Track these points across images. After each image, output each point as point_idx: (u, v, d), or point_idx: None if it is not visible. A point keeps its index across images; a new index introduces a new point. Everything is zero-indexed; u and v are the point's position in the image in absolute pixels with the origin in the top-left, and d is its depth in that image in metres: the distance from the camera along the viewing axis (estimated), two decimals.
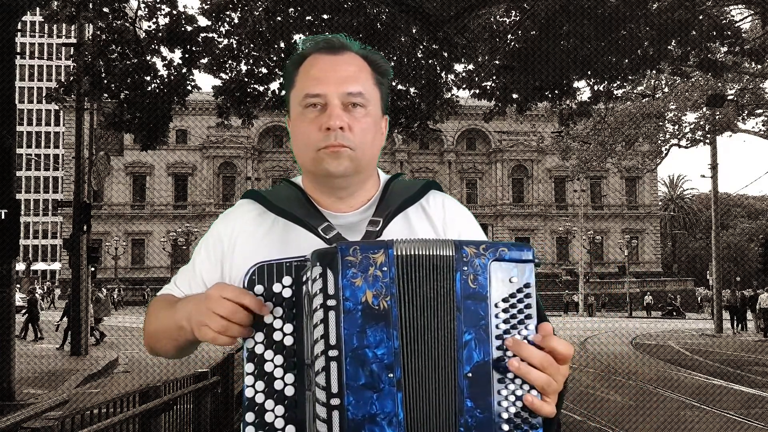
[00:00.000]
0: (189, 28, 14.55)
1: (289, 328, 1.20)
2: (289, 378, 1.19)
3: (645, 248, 69.14)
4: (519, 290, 1.16)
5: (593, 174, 60.66)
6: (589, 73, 16.08)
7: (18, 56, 12.87)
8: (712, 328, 30.92)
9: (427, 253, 1.15)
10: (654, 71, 19.21)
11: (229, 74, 15.41)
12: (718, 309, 30.35)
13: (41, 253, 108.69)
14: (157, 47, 14.77)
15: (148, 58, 14.73)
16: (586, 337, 27.52)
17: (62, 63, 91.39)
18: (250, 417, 1.18)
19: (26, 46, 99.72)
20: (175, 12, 14.52)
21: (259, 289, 1.21)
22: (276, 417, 1.18)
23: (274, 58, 15.07)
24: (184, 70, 14.85)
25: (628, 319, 45.09)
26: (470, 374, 1.12)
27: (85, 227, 18.70)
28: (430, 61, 15.89)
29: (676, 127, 30.12)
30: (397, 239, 1.17)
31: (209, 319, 1.20)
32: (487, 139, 68.74)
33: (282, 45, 14.94)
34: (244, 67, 15.45)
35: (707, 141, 29.87)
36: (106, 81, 14.64)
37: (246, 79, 15.34)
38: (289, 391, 1.19)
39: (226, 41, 15.16)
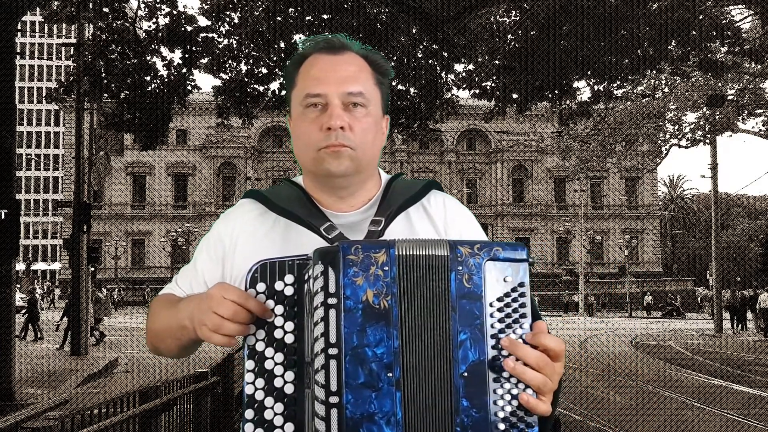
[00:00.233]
0: (189, 28, 14.55)
1: (290, 326, 1.21)
2: (289, 376, 1.19)
3: (645, 248, 69.14)
4: (513, 289, 1.17)
5: (593, 174, 60.65)
6: (589, 73, 16.08)
7: (18, 56, 12.87)
8: (712, 328, 30.91)
9: (424, 253, 1.16)
10: (654, 71, 19.21)
11: (229, 74, 15.41)
12: (718, 309, 30.35)
13: (41, 253, 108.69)
14: (157, 47, 14.77)
15: (148, 58, 14.73)
16: (586, 337, 27.52)
17: (62, 63, 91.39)
18: (249, 414, 1.18)
19: (26, 46, 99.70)
20: (175, 12, 14.52)
21: (261, 286, 1.21)
22: (275, 414, 1.18)
23: (274, 58, 15.07)
24: (184, 70, 14.86)
25: (628, 319, 45.08)
26: (466, 374, 1.13)
27: (85, 227, 18.71)
28: (430, 61, 15.89)
29: (676, 127, 30.13)
30: (399, 239, 1.18)
31: (210, 319, 1.21)
32: (487, 139, 68.74)
33: (282, 45, 14.94)
34: (244, 67, 15.46)
35: (707, 141, 29.87)
36: (106, 81, 14.64)
37: (246, 79, 15.34)
38: (289, 389, 1.19)
39: (226, 41, 15.16)
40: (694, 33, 15.06)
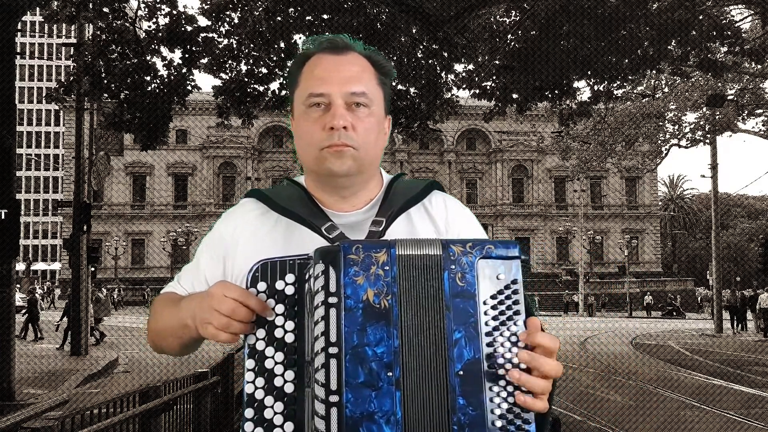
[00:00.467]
0: (189, 28, 14.55)
1: (290, 325, 1.21)
2: (290, 375, 1.19)
3: (645, 248, 69.14)
4: (506, 287, 1.17)
5: (593, 174, 60.66)
6: (589, 73, 16.08)
7: (18, 56, 12.87)
8: (712, 328, 30.91)
9: (418, 253, 1.16)
10: (654, 71, 19.21)
11: (229, 74, 15.41)
12: (718, 309, 30.35)
13: (41, 253, 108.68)
14: (157, 47, 14.77)
15: (148, 58, 14.74)
16: (586, 337, 27.52)
17: (62, 63, 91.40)
18: (249, 413, 1.18)
19: (26, 46, 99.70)
20: (175, 12, 14.52)
21: (262, 286, 1.21)
22: (275, 413, 1.18)
23: (274, 58, 15.07)
24: (184, 70, 14.86)
25: (628, 319, 45.09)
26: (461, 372, 1.13)
27: (85, 227, 18.71)
28: (430, 61, 15.90)
29: (676, 127, 30.13)
30: (399, 239, 1.18)
31: (212, 317, 1.21)
32: (487, 139, 68.74)
33: (282, 45, 14.94)
34: (244, 67, 15.45)
35: (707, 141, 29.88)
36: (106, 81, 14.65)
37: (246, 79, 15.34)
38: (289, 388, 1.19)
39: (226, 41, 15.17)
40: (694, 33, 15.06)
